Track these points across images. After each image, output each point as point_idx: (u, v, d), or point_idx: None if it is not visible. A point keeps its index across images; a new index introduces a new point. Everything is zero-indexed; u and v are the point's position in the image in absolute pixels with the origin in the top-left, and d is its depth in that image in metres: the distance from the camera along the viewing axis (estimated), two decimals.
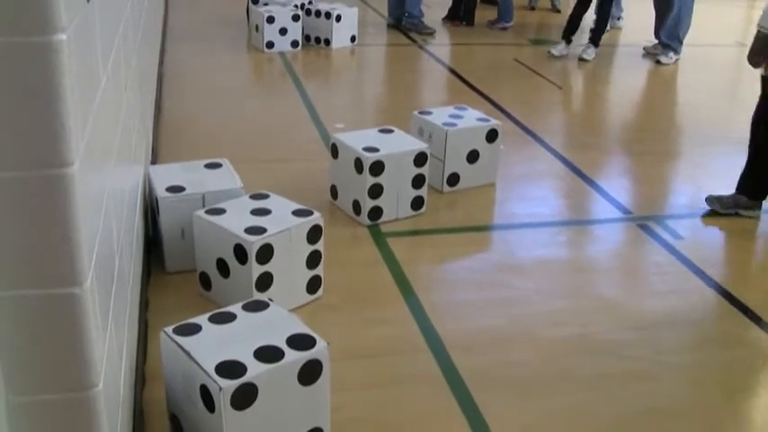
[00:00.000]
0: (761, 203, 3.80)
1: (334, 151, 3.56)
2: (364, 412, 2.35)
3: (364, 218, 3.45)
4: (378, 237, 3.39)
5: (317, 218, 2.79)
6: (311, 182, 3.81)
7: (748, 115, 5.61)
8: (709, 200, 3.84)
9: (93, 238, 1.49)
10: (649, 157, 4.65)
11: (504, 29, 7.61)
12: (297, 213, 2.80)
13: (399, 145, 3.51)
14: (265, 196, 2.91)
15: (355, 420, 2.30)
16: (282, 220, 2.74)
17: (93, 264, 1.43)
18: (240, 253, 2.64)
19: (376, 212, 3.46)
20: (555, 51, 6.67)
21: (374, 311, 2.86)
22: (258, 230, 2.66)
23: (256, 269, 2.64)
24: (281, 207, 2.84)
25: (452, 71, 6.27)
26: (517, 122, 4.97)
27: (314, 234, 2.79)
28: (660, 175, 4.41)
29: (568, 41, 6.70)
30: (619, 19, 7.82)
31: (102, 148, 1.74)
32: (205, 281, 2.83)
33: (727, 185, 4.28)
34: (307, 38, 6.66)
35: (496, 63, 6.59)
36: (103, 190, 1.74)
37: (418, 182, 3.53)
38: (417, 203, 3.58)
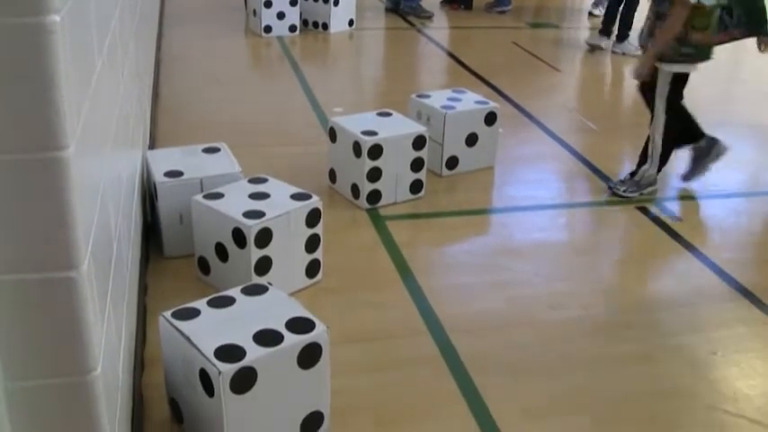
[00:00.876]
0: (655, 180, 3.78)
1: (333, 135, 3.54)
2: (364, 395, 2.35)
3: (363, 201, 3.44)
4: (377, 220, 3.39)
5: (315, 201, 2.78)
6: (310, 166, 3.80)
7: (748, 98, 5.60)
8: (613, 186, 3.78)
9: (90, 222, 1.49)
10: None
11: (503, 12, 7.57)
12: (295, 197, 2.79)
13: (398, 128, 3.50)
14: (264, 180, 2.91)
15: (355, 404, 2.30)
16: (281, 204, 2.73)
17: (90, 247, 1.42)
18: (239, 237, 2.64)
19: (375, 196, 3.45)
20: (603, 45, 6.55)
21: (373, 295, 2.86)
22: (257, 214, 2.65)
23: (255, 253, 2.63)
24: (280, 191, 2.83)
25: (451, 55, 6.24)
26: (516, 105, 4.96)
27: (313, 218, 2.79)
28: None
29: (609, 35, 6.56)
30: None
31: (98, 132, 1.73)
32: (204, 265, 2.83)
33: (726, 166, 4.27)
34: (305, 22, 6.62)
35: (495, 46, 6.56)
36: (100, 174, 1.73)
37: (417, 165, 3.52)
38: (416, 187, 3.57)
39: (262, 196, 2.78)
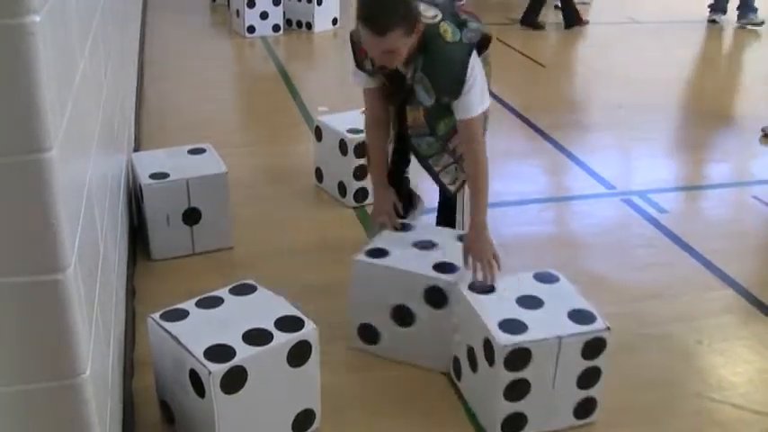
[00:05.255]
0: None
1: (318, 134, 3.54)
2: (356, 393, 2.35)
3: (350, 199, 3.44)
4: (364, 218, 3.39)
5: None
6: (296, 165, 3.80)
7: (729, 90, 5.64)
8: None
9: (76, 225, 1.48)
10: (632, 133, 4.66)
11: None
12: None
13: None
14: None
15: (347, 401, 2.30)
16: None
17: (75, 250, 1.42)
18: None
19: (362, 194, 3.45)
20: None
21: None
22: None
23: None
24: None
25: None
26: (501, 101, 4.97)
27: None
28: (643, 150, 4.42)
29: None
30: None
31: (82, 134, 1.73)
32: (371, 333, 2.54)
33: (708, 158, 4.32)
34: (288, 22, 6.61)
35: None
36: (85, 176, 1.72)
37: None
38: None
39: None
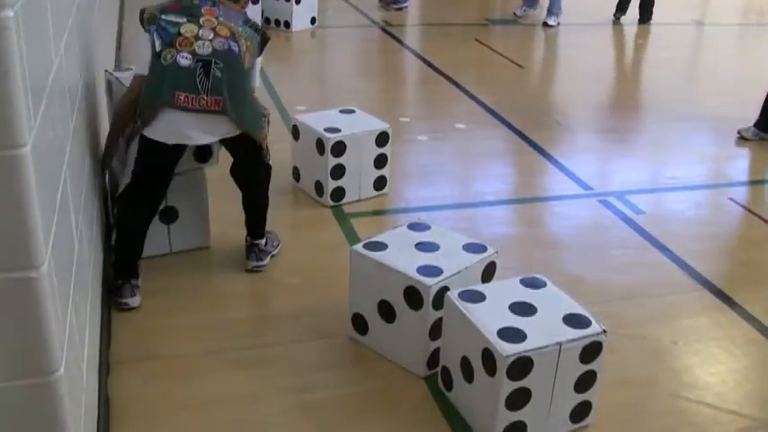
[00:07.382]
0: None
1: (296, 133, 3.53)
2: (332, 392, 2.35)
3: (327, 199, 3.44)
4: (341, 218, 3.38)
5: None
6: (273, 164, 3.77)
7: (706, 92, 5.71)
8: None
9: (50, 222, 1.47)
10: (609, 134, 4.70)
11: (400, 9, 7.52)
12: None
13: (361, 125, 3.50)
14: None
15: (324, 399, 2.30)
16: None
17: (50, 248, 1.40)
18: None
19: (339, 193, 3.45)
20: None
21: (340, 293, 2.85)
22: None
23: None
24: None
25: (413, 52, 6.26)
26: (479, 102, 4.99)
27: None
28: (620, 152, 4.46)
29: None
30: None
31: (57, 131, 1.71)
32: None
33: (685, 160, 4.36)
34: (266, 20, 6.60)
35: (457, 43, 6.59)
36: (60, 173, 1.70)
37: (381, 162, 3.53)
38: (380, 183, 3.57)
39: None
